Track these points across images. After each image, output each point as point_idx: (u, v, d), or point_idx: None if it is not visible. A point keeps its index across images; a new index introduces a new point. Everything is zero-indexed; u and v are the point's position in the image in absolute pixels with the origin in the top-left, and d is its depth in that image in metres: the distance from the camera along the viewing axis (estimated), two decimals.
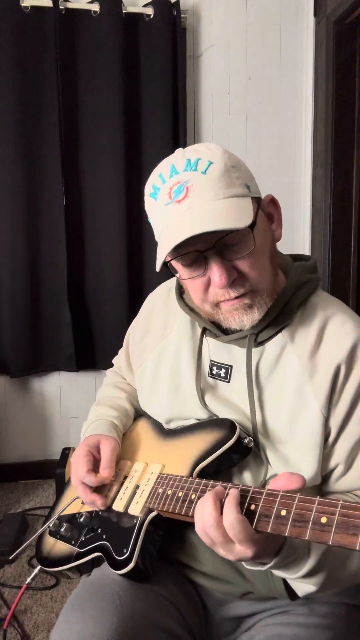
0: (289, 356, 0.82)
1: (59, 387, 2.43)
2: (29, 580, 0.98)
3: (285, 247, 0.88)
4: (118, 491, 0.90)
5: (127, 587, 0.81)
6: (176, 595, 0.86)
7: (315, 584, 0.73)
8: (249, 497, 0.66)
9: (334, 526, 0.57)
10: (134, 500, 0.86)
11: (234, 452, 0.81)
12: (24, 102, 2.14)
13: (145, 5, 2.20)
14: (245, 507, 0.66)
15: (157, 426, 0.97)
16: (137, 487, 0.88)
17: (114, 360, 1.18)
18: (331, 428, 0.80)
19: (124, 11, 2.15)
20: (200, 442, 0.84)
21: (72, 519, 0.96)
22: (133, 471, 0.91)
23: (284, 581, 0.79)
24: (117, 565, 0.81)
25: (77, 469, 0.89)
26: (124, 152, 2.20)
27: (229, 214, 0.72)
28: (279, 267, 0.86)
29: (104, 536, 0.87)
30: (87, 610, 0.76)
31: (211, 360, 0.89)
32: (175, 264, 0.79)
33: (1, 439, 2.41)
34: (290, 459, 0.80)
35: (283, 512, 0.62)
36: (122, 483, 0.91)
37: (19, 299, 2.24)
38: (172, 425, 0.94)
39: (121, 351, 1.12)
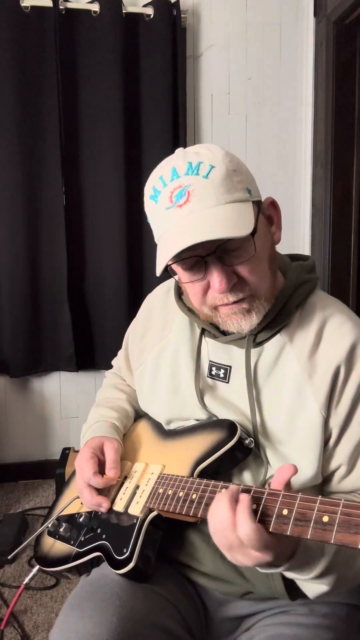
0: (288, 356, 0.82)
1: (59, 387, 2.43)
2: (27, 580, 0.98)
3: (285, 247, 0.88)
4: (118, 491, 0.90)
5: (127, 587, 0.81)
6: (176, 595, 0.86)
7: (328, 584, 0.73)
8: (250, 497, 0.66)
9: (335, 525, 0.57)
10: (134, 500, 0.86)
11: (235, 453, 0.81)
12: (24, 102, 2.14)
13: (145, 5, 2.20)
14: None
15: (157, 427, 0.97)
16: (137, 487, 0.88)
17: (113, 362, 1.18)
18: (332, 429, 0.80)
19: (124, 11, 2.15)
20: (201, 443, 0.84)
21: (71, 519, 0.96)
22: (133, 471, 0.91)
23: (284, 581, 0.79)
24: (117, 564, 0.81)
25: (84, 471, 0.88)
26: (123, 152, 2.21)
27: (231, 221, 0.71)
28: (277, 267, 0.87)
29: (104, 536, 0.87)
30: (87, 610, 0.76)
31: (210, 361, 0.89)
32: (175, 267, 0.79)
33: (1, 439, 2.41)
34: (290, 459, 0.80)
35: (285, 512, 0.62)
36: (122, 483, 0.91)
37: (19, 299, 2.24)
38: (172, 426, 0.94)
39: (120, 352, 1.12)
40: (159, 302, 1.01)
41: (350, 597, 0.87)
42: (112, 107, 2.18)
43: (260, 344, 0.84)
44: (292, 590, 0.80)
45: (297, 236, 2.47)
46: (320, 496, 0.61)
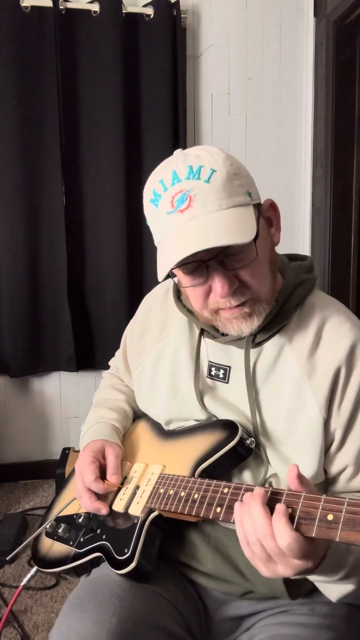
0: (287, 357, 0.82)
1: (59, 387, 2.43)
2: (24, 581, 0.97)
3: (285, 247, 0.88)
4: (117, 492, 0.90)
5: (127, 587, 0.81)
6: (176, 595, 0.86)
7: (355, 582, 0.72)
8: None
9: (340, 523, 0.57)
10: (134, 500, 0.86)
11: (236, 453, 0.81)
12: (24, 102, 2.14)
13: (145, 5, 2.20)
14: None
15: (157, 427, 0.97)
16: (138, 487, 0.88)
17: (111, 362, 1.17)
18: (336, 430, 0.80)
19: (124, 11, 2.15)
20: (201, 443, 0.84)
21: (69, 519, 0.95)
22: (133, 472, 0.91)
23: (285, 580, 0.79)
24: (118, 565, 0.81)
25: (85, 475, 0.88)
26: (123, 152, 2.21)
27: (233, 227, 0.71)
28: (277, 269, 0.87)
29: (104, 536, 0.87)
30: (87, 610, 0.76)
31: (209, 361, 0.89)
32: (176, 271, 0.79)
33: (1, 439, 2.41)
34: (290, 459, 0.80)
35: (289, 511, 0.62)
36: (122, 483, 0.91)
37: (19, 299, 2.24)
38: (172, 426, 0.94)
39: (118, 352, 1.11)
40: (157, 303, 1.01)
41: None
42: (112, 107, 2.18)
43: (260, 344, 0.84)
44: (293, 590, 0.80)
45: (297, 236, 2.47)
46: (324, 495, 0.61)
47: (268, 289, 0.79)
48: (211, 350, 0.89)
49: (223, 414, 0.86)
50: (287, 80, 2.40)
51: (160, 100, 2.23)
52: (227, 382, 0.87)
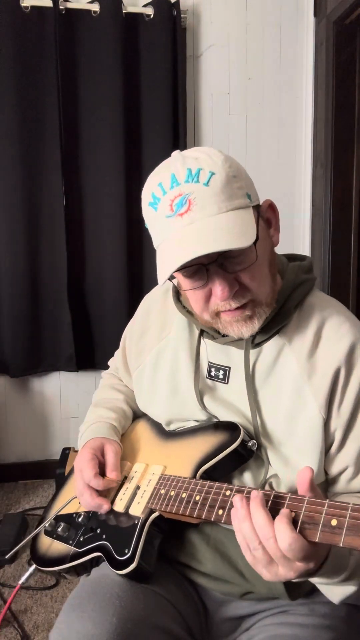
0: (286, 357, 0.82)
1: (59, 387, 2.43)
2: (22, 579, 0.97)
3: (285, 247, 0.88)
4: (118, 492, 0.90)
5: (127, 587, 0.81)
6: (176, 596, 0.86)
7: (356, 584, 0.72)
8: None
9: (344, 528, 0.57)
10: (134, 500, 0.86)
11: (238, 455, 0.81)
12: (24, 102, 2.14)
13: (145, 5, 2.20)
14: None
15: (157, 427, 0.97)
16: (138, 487, 0.88)
17: (110, 362, 1.17)
18: (336, 431, 0.80)
19: (124, 11, 2.15)
20: (203, 444, 0.84)
21: (69, 518, 0.95)
22: (133, 472, 0.91)
23: (284, 581, 0.79)
24: (118, 565, 0.81)
25: (84, 472, 0.88)
26: (124, 152, 2.21)
27: (233, 231, 0.71)
28: (276, 270, 0.87)
29: (104, 536, 0.87)
30: (87, 610, 0.76)
31: (209, 362, 0.89)
32: (176, 274, 0.79)
33: (1, 439, 2.41)
34: (291, 459, 0.80)
35: (292, 515, 0.62)
36: (122, 484, 0.91)
37: (19, 299, 2.24)
38: (172, 427, 0.94)
39: (117, 352, 1.11)
40: (157, 303, 1.01)
41: None
42: (112, 107, 2.18)
43: (259, 344, 0.84)
44: (292, 590, 0.80)
45: (297, 236, 2.47)
46: (327, 500, 0.61)
47: (268, 291, 0.79)
48: (211, 350, 0.89)
49: (223, 415, 0.86)
50: (287, 80, 2.40)
51: (160, 100, 2.23)
52: (227, 383, 0.87)
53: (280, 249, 0.88)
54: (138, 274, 2.33)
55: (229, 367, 0.87)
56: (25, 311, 2.26)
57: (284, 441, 0.81)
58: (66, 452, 2.18)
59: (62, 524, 0.94)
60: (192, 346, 0.91)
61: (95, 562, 0.89)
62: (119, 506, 0.87)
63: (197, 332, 0.90)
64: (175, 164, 0.74)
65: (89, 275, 2.32)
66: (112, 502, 0.89)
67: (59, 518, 0.97)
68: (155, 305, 1.01)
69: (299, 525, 0.61)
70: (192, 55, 2.33)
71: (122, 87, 2.17)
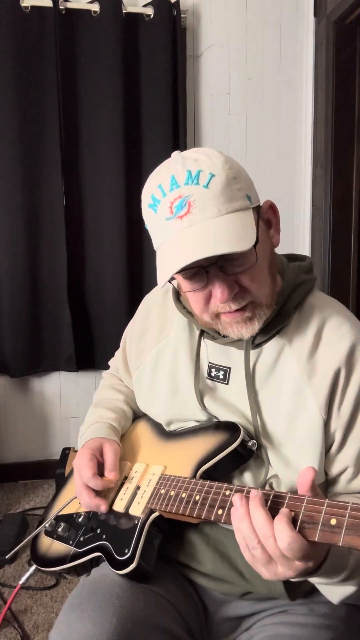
0: (287, 358, 0.82)
1: (59, 387, 2.43)
2: (23, 580, 0.98)
3: (285, 247, 0.88)
4: (118, 492, 0.90)
5: (127, 587, 0.81)
6: (176, 596, 0.86)
7: (356, 584, 0.72)
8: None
9: (344, 528, 0.57)
10: (134, 501, 0.86)
11: (238, 455, 0.81)
12: (24, 102, 2.14)
13: (145, 5, 2.20)
14: None
15: (157, 427, 0.97)
16: (138, 488, 0.88)
17: (110, 362, 1.17)
18: (336, 431, 0.80)
19: (124, 11, 2.15)
20: (203, 444, 0.84)
21: (69, 518, 0.95)
22: (133, 472, 0.91)
23: (284, 581, 0.79)
24: (118, 565, 0.81)
25: (82, 472, 0.88)
26: (123, 152, 2.21)
27: (232, 234, 0.71)
28: (276, 271, 0.87)
29: (104, 536, 0.87)
30: (87, 610, 0.76)
31: (209, 362, 0.89)
32: (176, 276, 0.79)
33: (1, 439, 2.41)
34: (291, 460, 0.80)
35: (292, 514, 0.62)
36: (122, 484, 0.91)
37: (19, 299, 2.25)
38: (173, 427, 0.94)
39: (118, 353, 1.11)
40: (157, 303, 1.01)
41: None
42: (112, 107, 2.18)
43: (259, 345, 0.84)
44: (292, 591, 0.80)
45: (297, 236, 2.47)
46: (327, 499, 0.61)
47: (268, 292, 0.79)
48: (211, 351, 0.89)
49: (223, 415, 0.86)
50: (287, 80, 2.40)
51: (160, 100, 2.23)
52: (227, 383, 0.87)
53: (280, 249, 0.88)
54: (138, 274, 2.33)
55: (229, 368, 0.87)
56: (25, 311, 2.26)
57: (284, 441, 0.81)
58: (66, 452, 2.18)
59: (63, 524, 0.94)
60: (193, 346, 0.91)
61: (95, 562, 0.89)
62: (119, 506, 0.87)
63: (197, 333, 0.90)
64: (175, 165, 0.74)
65: (89, 275, 2.32)
66: (112, 502, 0.89)
67: (59, 518, 0.97)
68: (155, 306, 1.01)
69: (298, 524, 0.61)
70: (192, 55, 2.33)
71: (122, 87, 2.17)
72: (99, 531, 0.89)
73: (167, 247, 0.75)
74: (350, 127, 2.20)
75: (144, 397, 0.98)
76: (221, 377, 0.87)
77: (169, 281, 0.76)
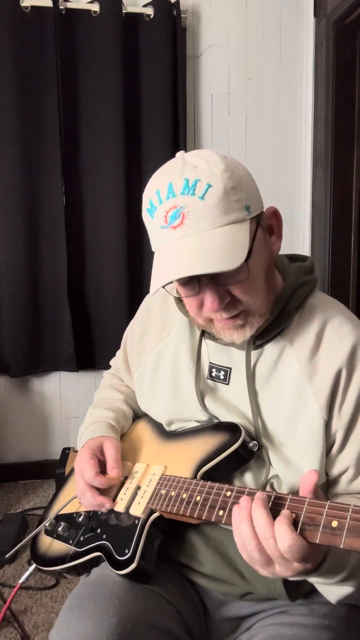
0: (288, 358, 0.82)
1: (59, 387, 2.43)
2: (22, 579, 0.98)
3: (285, 247, 0.87)
4: (118, 492, 0.90)
5: (127, 587, 0.81)
6: (176, 596, 0.86)
7: (354, 585, 0.72)
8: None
9: (345, 530, 0.57)
10: (135, 501, 0.86)
11: (239, 456, 0.81)
12: (24, 102, 2.14)
13: (145, 5, 2.20)
14: None
15: (158, 427, 0.97)
16: (139, 488, 0.88)
17: (112, 362, 1.17)
18: (337, 432, 0.80)
19: (124, 11, 2.15)
20: (204, 445, 0.84)
21: (69, 518, 0.95)
22: (134, 472, 0.91)
23: (284, 582, 0.79)
24: (118, 565, 0.82)
25: (85, 472, 0.88)
26: (123, 152, 2.21)
27: (224, 250, 0.70)
28: (276, 268, 0.87)
29: (104, 536, 0.87)
30: (86, 610, 0.76)
31: (210, 363, 0.89)
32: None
33: (1, 439, 2.41)
34: (292, 460, 0.80)
35: (292, 516, 0.62)
36: (123, 484, 0.91)
37: (19, 299, 2.25)
38: (173, 427, 0.94)
39: (119, 353, 1.11)
40: (158, 303, 1.01)
41: None
42: (112, 107, 2.18)
43: (260, 346, 0.84)
44: (292, 591, 0.80)
45: (297, 236, 2.47)
46: (328, 501, 0.61)
47: (261, 302, 0.79)
48: (212, 351, 0.89)
49: (224, 416, 0.86)
50: (287, 80, 2.40)
51: (160, 100, 2.23)
52: (228, 384, 0.87)
53: (280, 249, 0.88)
54: (138, 274, 2.33)
55: (230, 368, 0.87)
56: (25, 311, 2.26)
57: (285, 442, 0.81)
58: (66, 452, 2.18)
59: (63, 524, 0.94)
60: (194, 346, 0.91)
61: (96, 561, 0.89)
62: (120, 506, 0.87)
63: (198, 333, 0.90)
64: (175, 171, 0.73)
65: (89, 275, 2.32)
66: (113, 502, 0.89)
67: (59, 518, 0.97)
68: (156, 306, 1.01)
69: (299, 526, 0.61)
70: (192, 55, 2.33)
71: (122, 87, 2.17)
72: (99, 531, 0.89)
73: (161, 255, 0.75)
74: (350, 127, 2.20)
75: (145, 397, 0.98)
76: (222, 377, 0.87)
77: (163, 287, 0.76)
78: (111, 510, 0.88)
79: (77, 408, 2.45)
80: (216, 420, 0.87)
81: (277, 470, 0.81)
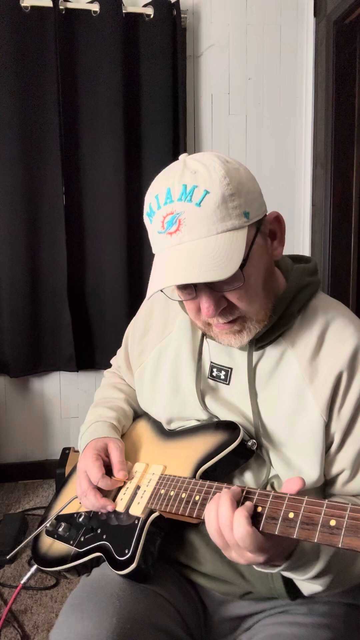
0: (289, 360, 0.82)
1: (59, 387, 2.43)
2: (24, 579, 0.98)
3: (285, 247, 0.87)
4: (118, 492, 0.90)
5: (126, 587, 0.81)
6: (176, 596, 0.86)
7: (322, 585, 0.74)
8: (255, 500, 0.66)
9: (343, 529, 0.57)
10: (134, 500, 0.86)
11: (238, 455, 0.81)
12: (24, 102, 2.14)
13: (145, 5, 2.20)
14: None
15: (158, 427, 0.97)
16: (138, 487, 0.88)
17: (112, 361, 1.18)
18: (335, 433, 0.79)
19: (124, 11, 2.15)
20: (203, 444, 0.84)
21: (70, 518, 0.95)
22: (134, 472, 0.91)
23: (284, 581, 0.79)
24: (118, 565, 0.82)
25: (91, 473, 0.88)
26: (123, 152, 2.21)
27: (218, 258, 0.70)
28: (279, 269, 0.87)
29: (104, 536, 0.87)
30: (86, 610, 0.77)
31: (211, 362, 0.89)
32: None
33: (1, 439, 2.41)
34: (292, 461, 0.80)
35: (291, 515, 0.62)
36: (123, 483, 0.91)
37: (19, 299, 2.25)
38: (173, 426, 0.94)
39: (120, 351, 1.11)
40: (159, 302, 1.01)
41: (349, 596, 0.87)
42: (112, 107, 2.18)
43: (262, 347, 0.83)
44: (292, 591, 0.80)
45: (297, 236, 2.47)
46: (326, 500, 0.61)
47: (258, 308, 0.78)
48: (213, 351, 0.89)
49: (224, 415, 0.86)
50: (287, 80, 2.40)
51: (160, 100, 2.23)
52: (228, 384, 0.87)
53: (281, 255, 0.87)
54: (138, 274, 2.33)
55: (231, 368, 0.87)
56: (25, 311, 2.26)
57: (285, 443, 0.81)
58: (66, 452, 2.18)
59: (63, 524, 0.94)
60: (195, 346, 0.91)
61: (96, 561, 0.90)
62: (120, 506, 0.87)
63: (200, 332, 0.90)
64: (174, 176, 0.73)
65: (89, 276, 2.32)
66: (113, 502, 0.89)
67: (60, 518, 0.97)
68: (158, 304, 1.01)
69: (263, 519, 0.64)
70: (192, 55, 2.33)
71: (122, 87, 2.17)
72: (99, 531, 0.89)
73: (158, 260, 0.76)
74: (350, 127, 2.20)
75: (145, 395, 0.98)
76: (222, 377, 0.87)
77: (161, 290, 0.76)
78: (112, 510, 0.88)
79: (77, 408, 2.45)
80: (216, 420, 0.87)
81: (277, 470, 0.82)
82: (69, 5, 2.14)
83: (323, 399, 0.79)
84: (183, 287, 0.76)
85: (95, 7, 2.13)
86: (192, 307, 0.79)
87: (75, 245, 2.27)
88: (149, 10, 2.18)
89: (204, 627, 0.89)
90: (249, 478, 0.84)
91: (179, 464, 0.86)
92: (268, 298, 0.80)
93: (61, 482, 1.07)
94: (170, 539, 0.87)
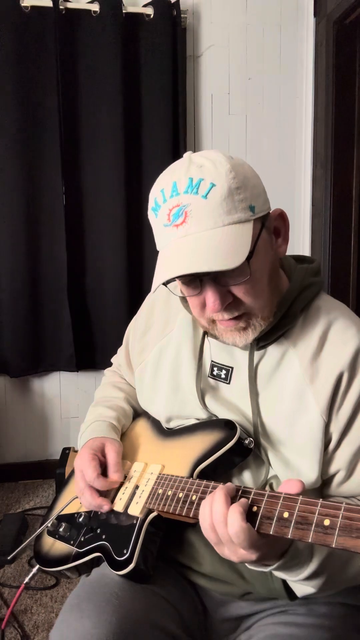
0: (290, 360, 0.82)
1: (59, 387, 2.43)
2: (27, 579, 0.98)
3: None
4: (117, 491, 0.90)
5: (126, 587, 0.81)
6: (175, 596, 0.86)
7: (315, 587, 0.74)
8: (250, 499, 0.66)
9: (337, 529, 0.57)
10: (133, 500, 0.86)
11: (235, 453, 0.81)
12: (24, 102, 2.14)
13: (145, 5, 2.20)
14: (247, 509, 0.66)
15: (157, 426, 0.97)
16: (137, 487, 0.88)
17: (113, 359, 1.17)
18: (333, 433, 0.79)
19: (124, 11, 2.15)
20: (200, 443, 0.84)
21: (70, 518, 0.96)
22: (132, 471, 0.91)
23: (284, 582, 0.79)
24: (117, 565, 0.82)
25: (86, 473, 0.88)
26: (124, 152, 2.20)
27: (224, 249, 0.70)
28: (282, 269, 0.86)
29: (104, 536, 0.87)
30: (86, 610, 0.77)
31: (212, 361, 0.89)
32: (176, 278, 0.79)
33: (1, 439, 2.41)
34: (291, 461, 0.80)
35: (285, 515, 0.62)
36: (122, 483, 0.91)
37: (19, 298, 2.25)
38: (172, 424, 0.94)
39: (121, 349, 1.11)
40: (161, 300, 1.01)
41: (348, 597, 0.87)
42: (112, 107, 2.18)
43: (264, 346, 0.83)
44: (292, 591, 0.80)
45: (297, 236, 2.47)
46: (320, 499, 0.61)
47: (264, 304, 0.78)
48: (214, 349, 0.89)
49: (224, 414, 0.86)
50: (287, 80, 2.40)
51: (160, 100, 2.23)
52: (229, 383, 0.87)
53: (285, 252, 0.87)
54: (138, 274, 2.33)
55: (232, 367, 0.87)
56: (25, 311, 2.26)
57: (284, 443, 0.81)
58: (66, 452, 2.18)
59: (64, 524, 0.94)
60: (196, 344, 0.91)
61: (96, 561, 0.90)
62: (119, 506, 0.87)
63: (201, 331, 0.90)
64: (180, 170, 0.74)
65: (89, 275, 2.32)
66: (112, 502, 0.89)
67: (61, 518, 0.97)
68: (159, 303, 1.01)
69: (258, 518, 0.64)
70: (192, 55, 2.33)
71: (122, 87, 2.17)
72: (99, 531, 0.89)
73: (164, 253, 0.75)
74: (350, 127, 2.20)
75: (145, 393, 0.98)
76: (223, 376, 0.87)
77: (165, 284, 0.76)
78: (111, 510, 0.88)
79: (77, 408, 2.45)
80: (214, 418, 0.87)
81: (276, 470, 0.81)
82: (69, 5, 2.14)
83: (323, 399, 0.79)
84: (188, 282, 0.76)
85: (95, 7, 2.13)
86: (197, 303, 0.78)
87: (75, 245, 2.27)
88: (149, 10, 2.18)
89: (204, 627, 0.89)
90: (247, 478, 0.83)
91: (177, 463, 0.86)
92: (273, 295, 0.80)
93: (61, 482, 1.07)
94: (170, 539, 0.87)
